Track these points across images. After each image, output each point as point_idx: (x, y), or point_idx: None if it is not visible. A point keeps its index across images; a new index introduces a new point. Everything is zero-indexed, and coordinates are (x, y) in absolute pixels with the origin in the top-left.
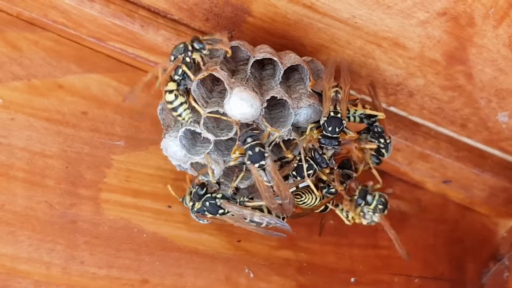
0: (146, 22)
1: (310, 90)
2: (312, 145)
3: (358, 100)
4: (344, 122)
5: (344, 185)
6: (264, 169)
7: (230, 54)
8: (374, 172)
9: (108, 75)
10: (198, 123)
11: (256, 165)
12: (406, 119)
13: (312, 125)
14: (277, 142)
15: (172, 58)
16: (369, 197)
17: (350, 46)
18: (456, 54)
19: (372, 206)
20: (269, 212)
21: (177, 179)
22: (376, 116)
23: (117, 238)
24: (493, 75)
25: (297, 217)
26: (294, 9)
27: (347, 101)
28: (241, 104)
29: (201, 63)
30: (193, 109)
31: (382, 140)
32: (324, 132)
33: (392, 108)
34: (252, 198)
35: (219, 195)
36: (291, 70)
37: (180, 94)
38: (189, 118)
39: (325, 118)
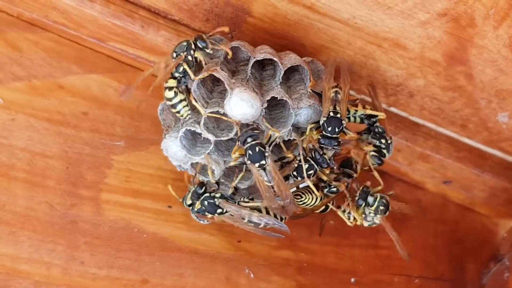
0: (147, 23)
1: (310, 91)
2: (313, 146)
3: (358, 101)
4: (343, 122)
5: (346, 183)
6: (264, 169)
7: (231, 56)
8: (375, 173)
9: (108, 75)
10: (199, 123)
11: (257, 164)
12: (406, 119)
13: (312, 125)
14: (277, 143)
15: (174, 55)
16: (370, 198)
17: (351, 47)
18: (457, 55)
19: (373, 208)
20: (268, 212)
21: (178, 179)
22: (376, 116)
23: (118, 238)
24: (494, 76)
25: (298, 217)
26: (294, 10)
27: (347, 101)
28: (241, 105)
29: (203, 62)
30: (193, 109)
31: (383, 141)
32: (323, 132)
33: (392, 109)
34: (252, 199)
35: (217, 195)
36: (292, 71)
37: (180, 92)
38: (187, 116)
39: (325, 118)
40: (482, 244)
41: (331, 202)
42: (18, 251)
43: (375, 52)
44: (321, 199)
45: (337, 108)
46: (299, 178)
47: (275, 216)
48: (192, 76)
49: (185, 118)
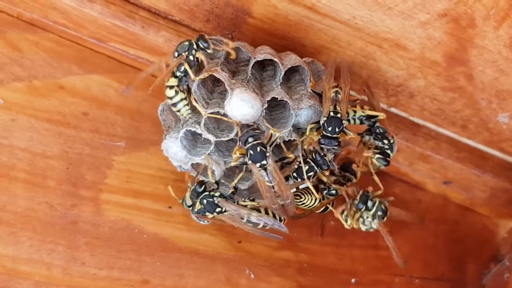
0: (147, 23)
1: (311, 91)
2: (313, 147)
3: (358, 101)
4: (344, 122)
5: (345, 186)
6: (265, 169)
7: (234, 57)
8: (375, 177)
9: (109, 76)
10: (199, 124)
11: (258, 164)
12: (406, 120)
13: (312, 125)
14: (278, 143)
15: (176, 54)
16: (369, 203)
17: (351, 47)
18: (457, 55)
19: (371, 212)
20: (267, 212)
21: (178, 180)
22: (376, 116)
23: (118, 239)
24: (494, 76)
25: (297, 218)
26: (294, 10)
27: (347, 101)
28: (241, 105)
29: (205, 62)
30: (194, 110)
31: (385, 141)
32: (324, 132)
33: (392, 109)
34: (253, 200)
35: (217, 194)
36: (292, 71)
37: (180, 90)
38: (187, 115)
39: (325, 118)
40: (483, 245)
41: (331, 203)
42: (18, 251)
43: (376, 53)
44: (320, 200)
45: (338, 108)
46: (299, 179)
47: (274, 216)
48: (192, 76)
49: (185, 117)
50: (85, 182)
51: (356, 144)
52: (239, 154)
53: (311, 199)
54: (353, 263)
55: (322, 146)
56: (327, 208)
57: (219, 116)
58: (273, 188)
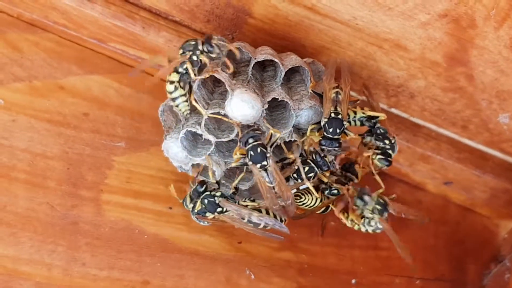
0: (147, 24)
1: (311, 92)
2: (314, 148)
3: (359, 102)
4: (345, 123)
5: (346, 185)
6: (266, 170)
7: (238, 56)
8: (377, 177)
9: (109, 76)
10: (199, 124)
11: (258, 165)
12: (407, 120)
13: (313, 126)
14: (278, 144)
15: (181, 51)
16: (366, 197)
17: (351, 48)
18: (457, 56)
19: (370, 207)
20: (267, 213)
21: (178, 180)
22: (377, 117)
23: (118, 239)
24: (494, 77)
25: (298, 218)
26: (295, 11)
27: (348, 102)
28: (242, 106)
29: (208, 64)
30: (194, 110)
31: (387, 141)
32: (325, 134)
33: (393, 110)
34: (253, 200)
35: (218, 193)
36: (292, 72)
37: (180, 86)
38: (185, 111)
39: (326, 120)
40: (483, 245)
41: (332, 203)
42: (19, 252)
43: (376, 53)
44: (320, 201)
45: (338, 109)
46: (299, 180)
47: (274, 216)
48: (193, 76)
49: (183, 112)
50: (86, 183)
51: (357, 145)
52: (240, 154)
53: (311, 200)
54: (354, 264)
55: (323, 147)
56: (327, 208)
57: (219, 117)
58: (274, 188)
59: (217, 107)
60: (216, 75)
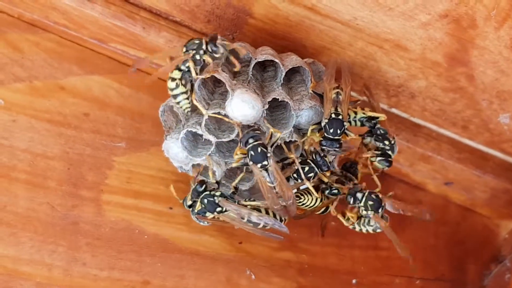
0: (148, 24)
1: (312, 92)
2: (314, 148)
3: (359, 102)
4: (345, 123)
5: (346, 185)
6: (266, 170)
7: (243, 54)
8: (375, 177)
9: (109, 76)
10: (200, 124)
11: (259, 165)
12: (407, 120)
13: (313, 126)
14: (279, 144)
15: (184, 50)
16: (358, 194)
17: (352, 48)
18: (458, 56)
19: (362, 203)
20: (267, 212)
21: (178, 180)
22: (377, 118)
23: (119, 239)
24: (495, 77)
25: (298, 218)
26: (295, 11)
27: (348, 102)
28: (242, 106)
29: (210, 64)
30: (194, 110)
31: (386, 142)
32: (325, 134)
33: (393, 110)
34: (254, 200)
35: (217, 193)
36: (293, 72)
37: (182, 84)
38: (186, 108)
39: (326, 120)
40: (483, 245)
41: (332, 203)
42: (19, 252)
43: (376, 53)
44: (320, 201)
45: (339, 109)
46: (299, 180)
47: (274, 216)
48: (194, 75)
49: (184, 110)
50: (86, 183)
51: (357, 146)
52: (241, 154)
53: (311, 199)
54: (354, 264)
55: (324, 147)
56: (327, 208)
57: (220, 117)
58: (275, 188)
59: (218, 107)
60: (216, 75)
